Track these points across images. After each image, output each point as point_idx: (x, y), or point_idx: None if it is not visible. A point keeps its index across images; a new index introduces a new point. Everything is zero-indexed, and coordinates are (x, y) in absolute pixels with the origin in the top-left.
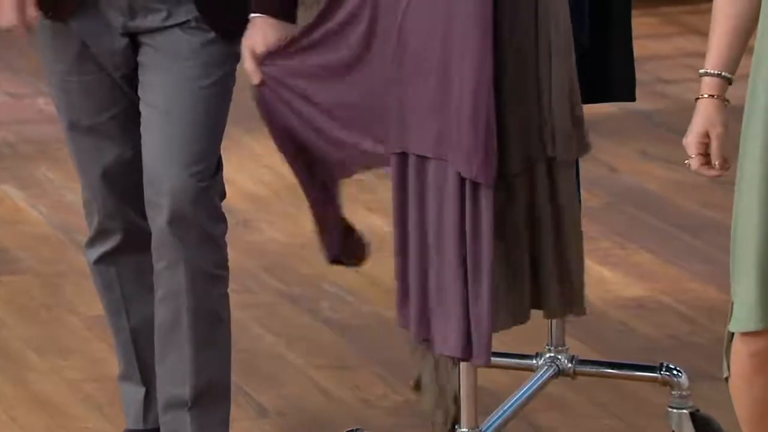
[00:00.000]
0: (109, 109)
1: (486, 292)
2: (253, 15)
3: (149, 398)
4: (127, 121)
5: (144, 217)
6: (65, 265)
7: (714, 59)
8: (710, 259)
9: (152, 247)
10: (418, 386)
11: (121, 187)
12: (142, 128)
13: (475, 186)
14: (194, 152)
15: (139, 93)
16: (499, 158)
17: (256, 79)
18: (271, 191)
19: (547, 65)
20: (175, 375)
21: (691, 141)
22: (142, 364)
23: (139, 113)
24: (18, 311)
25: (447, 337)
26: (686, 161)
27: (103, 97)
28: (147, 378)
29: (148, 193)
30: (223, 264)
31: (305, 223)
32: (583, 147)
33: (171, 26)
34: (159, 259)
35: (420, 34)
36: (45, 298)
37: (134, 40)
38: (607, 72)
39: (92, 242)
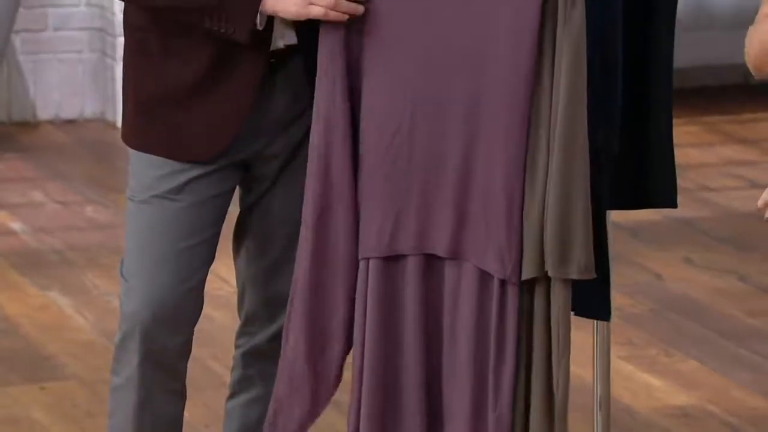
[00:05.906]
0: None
1: (508, 393)
2: None
3: None
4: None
5: None
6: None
7: None
8: (755, 367)
9: (247, 350)
10: None
11: None
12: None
13: (502, 284)
14: None
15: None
16: None
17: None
18: None
19: (552, 165)
20: None
21: None
22: None
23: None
24: (62, 418)
25: None
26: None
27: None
28: None
29: (266, 304)
30: None
31: None
32: (583, 267)
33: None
34: (255, 363)
35: (432, 129)
36: (89, 405)
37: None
38: (648, 178)
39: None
